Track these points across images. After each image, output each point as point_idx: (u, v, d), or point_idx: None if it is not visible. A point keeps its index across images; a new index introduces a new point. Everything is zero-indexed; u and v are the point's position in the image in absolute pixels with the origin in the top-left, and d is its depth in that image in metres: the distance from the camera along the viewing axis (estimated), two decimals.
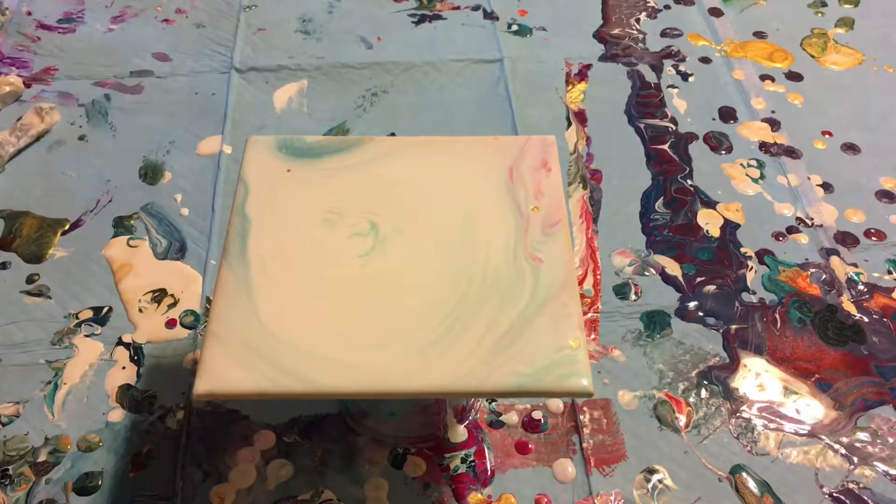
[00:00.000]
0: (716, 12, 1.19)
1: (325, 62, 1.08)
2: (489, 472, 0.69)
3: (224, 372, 0.50)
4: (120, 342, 0.77)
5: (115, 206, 0.90)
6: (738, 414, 0.73)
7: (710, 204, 0.92)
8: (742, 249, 0.87)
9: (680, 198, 0.92)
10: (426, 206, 0.61)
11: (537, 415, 0.73)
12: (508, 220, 0.60)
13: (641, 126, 1.01)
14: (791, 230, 0.89)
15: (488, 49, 1.11)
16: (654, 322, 0.80)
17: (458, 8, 1.18)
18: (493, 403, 0.74)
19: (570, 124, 1.01)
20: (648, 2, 1.21)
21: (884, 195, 0.93)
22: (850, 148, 0.99)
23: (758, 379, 0.76)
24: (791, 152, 0.98)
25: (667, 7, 1.20)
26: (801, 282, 0.84)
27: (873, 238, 0.89)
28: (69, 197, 0.91)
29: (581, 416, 0.73)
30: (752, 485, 0.69)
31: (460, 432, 0.72)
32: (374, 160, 0.65)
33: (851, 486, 0.69)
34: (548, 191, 0.63)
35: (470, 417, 0.73)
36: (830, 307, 0.82)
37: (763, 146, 0.99)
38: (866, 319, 0.81)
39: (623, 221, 0.90)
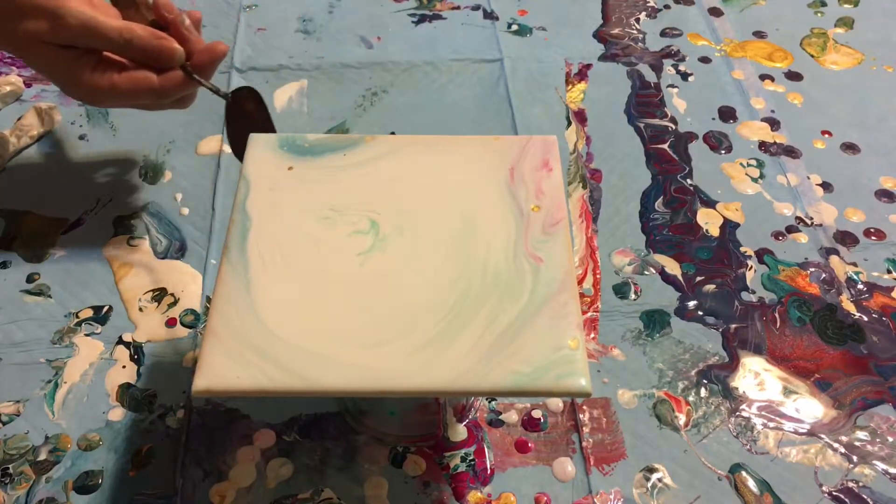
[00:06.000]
0: (716, 12, 1.19)
1: (326, 62, 1.08)
2: (489, 471, 0.69)
3: (223, 369, 0.50)
4: (120, 341, 0.78)
5: (115, 206, 0.90)
6: (737, 413, 0.73)
7: (710, 203, 0.92)
8: (742, 249, 0.87)
9: (679, 197, 0.93)
10: (427, 205, 0.61)
11: (537, 414, 0.73)
12: (509, 219, 0.60)
13: (641, 126, 1.01)
14: (790, 229, 0.89)
15: (488, 49, 1.11)
16: (654, 321, 0.80)
17: (458, 8, 1.18)
18: (493, 402, 0.74)
19: (569, 124, 1.01)
20: (648, 1, 1.21)
21: (884, 195, 0.93)
22: (850, 147, 0.99)
23: (757, 378, 0.76)
24: (791, 152, 0.98)
25: (666, 7, 1.20)
26: (800, 281, 0.84)
27: (873, 237, 0.89)
28: (69, 196, 0.91)
29: (581, 415, 0.73)
30: (751, 483, 0.69)
31: (460, 431, 0.72)
32: (375, 159, 0.65)
33: (851, 484, 0.69)
34: (549, 190, 0.63)
35: (470, 416, 0.73)
36: (830, 306, 0.82)
37: (763, 146, 0.99)
38: (866, 319, 0.81)
39: (623, 221, 0.90)
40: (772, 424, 0.73)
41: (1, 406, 0.73)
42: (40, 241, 0.86)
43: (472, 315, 0.54)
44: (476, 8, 1.18)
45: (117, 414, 0.72)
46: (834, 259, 0.86)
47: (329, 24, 1.15)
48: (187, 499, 0.67)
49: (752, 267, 0.86)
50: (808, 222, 0.90)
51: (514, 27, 1.15)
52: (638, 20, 1.18)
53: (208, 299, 0.81)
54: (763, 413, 0.73)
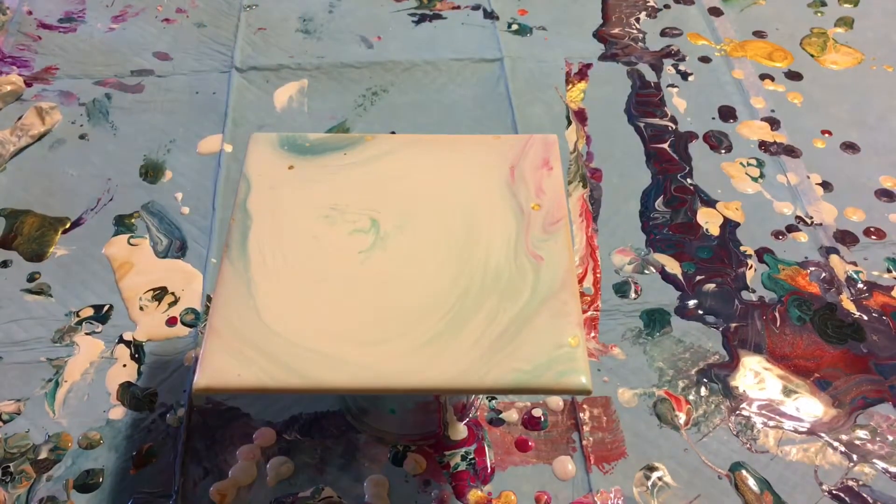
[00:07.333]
0: (715, 12, 1.19)
1: (326, 61, 1.08)
2: (489, 470, 0.69)
3: (224, 367, 0.50)
4: (121, 340, 0.78)
5: (115, 205, 0.90)
6: (737, 412, 0.74)
7: (710, 203, 0.92)
8: (742, 248, 0.87)
9: (680, 196, 0.93)
10: (427, 204, 0.61)
11: (537, 412, 0.73)
12: (509, 218, 0.60)
13: (641, 125, 1.01)
14: (791, 229, 0.89)
15: (488, 48, 1.11)
16: (654, 320, 0.80)
17: (458, 7, 1.18)
18: (493, 401, 0.74)
19: (570, 123, 1.01)
20: (648, 1, 1.21)
21: (883, 194, 0.93)
22: (850, 147, 0.99)
23: (757, 377, 0.76)
24: (790, 151, 0.98)
25: (666, 6, 1.20)
26: (800, 280, 0.84)
27: (873, 237, 0.89)
28: (70, 195, 0.91)
29: (581, 414, 0.73)
30: (751, 482, 0.69)
31: (460, 430, 0.72)
32: (376, 158, 0.65)
33: (851, 483, 0.69)
34: (549, 189, 0.63)
35: (470, 415, 0.73)
36: (830, 305, 0.82)
37: (763, 145, 0.99)
38: (866, 318, 0.81)
39: (623, 220, 0.90)
40: (772, 423, 0.73)
41: (2, 405, 0.73)
42: (41, 241, 0.86)
43: (473, 313, 0.54)
44: (476, 8, 1.18)
45: (118, 413, 0.72)
46: (834, 258, 0.86)
47: (329, 24, 1.15)
48: (188, 497, 0.67)
49: (752, 266, 0.86)
50: (808, 221, 0.90)
51: (514, 27, 1.15)
52: (638, 20, 1.18)
53: (209, 298, 0.81)
54: (763, 412, 0.74)
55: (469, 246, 0.58)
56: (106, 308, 0.80)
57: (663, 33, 1.15)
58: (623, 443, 0.71)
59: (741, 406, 0.74)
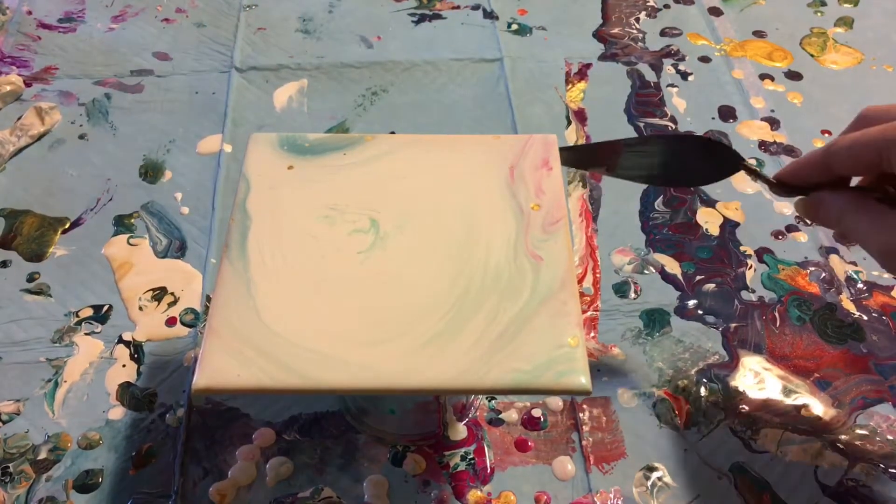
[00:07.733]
0: (715, 11, 1.19)
1: (326, 61, 1.08)
2: (489, 470, 0.69)
3: (223, 367, 0.50)
4: (120, 340, 0.78)
5: (115, 205, 0.90)
6: (737, 412, 0.73)
7: (710, 203, 0.92)
8: (741, 248, 0.87)
9: (679, 196, 0.93)
10: (427, 204, 0.61)
11: (537, 413, 0.73)
12: (509, 218, 0.60)
13: (641, 125, 1.01)
14: (790, 229, 0.89)
15: (488, 48, 1.11)
16: (654, 320, 0.80)
17: (457, 7, 1.18)
18: (493, 401, 0.74)
19: (569, 123, 1.01)
20: (648, 1, 1.21)
21: None
22: None
23: (757, 377, 0.76)
24: (790, 151, 0.98)
25: (666, 6, 1.20)
26: (800, 280, 0.84)
27: None
28: (70, 195, 0.91)
29: (580, 414, 0.73)
30: (751, 482, 0.69)
31: (460, 430, 0.72)
32: (376, 157, 0.65)
33: (850, 483, 0.69)
34: (549, 189, 0.63)
35: (470, 415, 0.73)
36: (830, 305, 0.82)
37: (762, 145, 0.99)
38: (865, 318, 0.81)
39: (623, 220, 0.90)
40: (772, 423, 0.73)
41: (1, 405, 0.73)
42: (40, 241, 0.86)
43: (473, 313, 0.54)
44: (476, 7, 1.18)
45: (117, 413, 0.72)
46: (834, 258, 0.86)
47: (329, 24, 1.15)
48: (188, 497, 0.67)
49: (751, 266, 0.86)
50: (808, 221, 0.90)
51: (514, 27, 1.15)
52: (638, 20, 1.18)
53: (208, 298, 0.81)
54: (763, 412, 0.73)
55: (469, 246, 0.58)
56: (105, 308, 0.80)
57: (663, 33, 1.15)
58: (622, 443, 0.71)
59: (741, 406, 0.74)
